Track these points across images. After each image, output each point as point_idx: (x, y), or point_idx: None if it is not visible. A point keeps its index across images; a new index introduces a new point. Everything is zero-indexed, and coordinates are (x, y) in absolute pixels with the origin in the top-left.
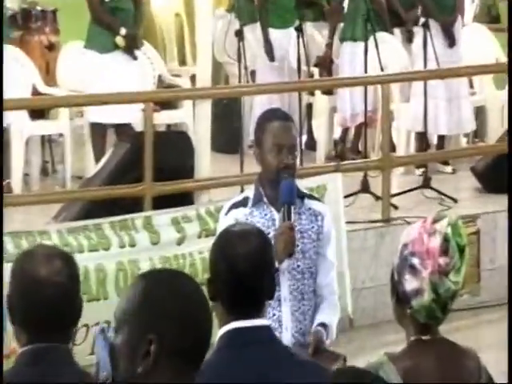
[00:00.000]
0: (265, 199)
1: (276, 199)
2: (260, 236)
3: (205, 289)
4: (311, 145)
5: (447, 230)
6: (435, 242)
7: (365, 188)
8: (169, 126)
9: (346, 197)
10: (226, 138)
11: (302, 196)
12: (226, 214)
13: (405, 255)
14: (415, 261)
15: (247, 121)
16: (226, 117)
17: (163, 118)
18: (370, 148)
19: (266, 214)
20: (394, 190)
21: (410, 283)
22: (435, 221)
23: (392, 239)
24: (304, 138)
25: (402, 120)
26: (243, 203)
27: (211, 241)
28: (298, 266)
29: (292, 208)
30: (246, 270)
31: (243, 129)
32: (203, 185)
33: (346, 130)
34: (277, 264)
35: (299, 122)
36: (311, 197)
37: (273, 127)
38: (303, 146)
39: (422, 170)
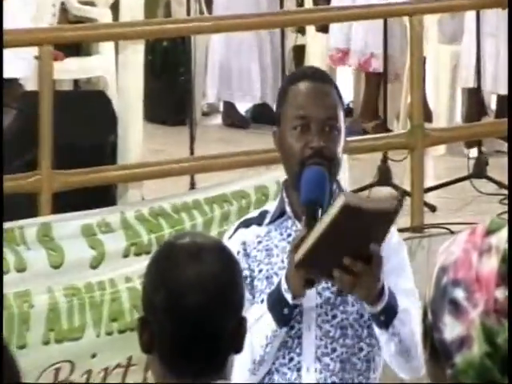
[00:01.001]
0: (288, 210)
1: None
2: (221, 253)
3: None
4: None
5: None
6: (490, 265)
7: (384, 178)
8: (77, 82)
9: (354, 192)
10: (168, 101)
11: None
12: (231, 236)
13: (443, 285)
14: (459, 294)
15: (200, 74)
16: (168, 68)
17: (69, 71)
18: (391, 115)
19: (289, 235)
20: (429, 182)
21: (451, 328)
22: (490, 231)
23: (425, 258)
24: None
25: (443, 71)
26: (258, 220)
27: (145, 261)
28: (335, 316)
29: (319, 211)
30: (197, 306)
31: (194, 87)
32: (132, 174)
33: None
34: (290, 300)
35: (281, 73)
36: None
37: (296, 92)
38: None
39: (473, 149)
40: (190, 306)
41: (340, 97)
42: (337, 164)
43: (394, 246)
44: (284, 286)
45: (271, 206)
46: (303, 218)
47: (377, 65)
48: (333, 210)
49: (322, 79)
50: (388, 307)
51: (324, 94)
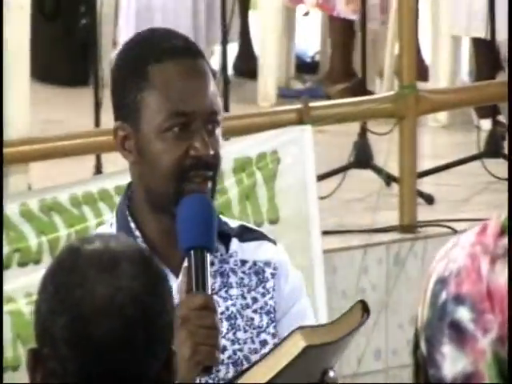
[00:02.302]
0: (138, 235)
1: (171, 243)
2: (144, 264)
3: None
4: (248, 65)
5: None
6: (505, 275)
7: (362, 158)
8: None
9: (322, 177)
10: (65, 54)
11: (227, 234)
12: None
13: (442, 302)
14: (464, 314)
15: (109, 16)
16: (64, 8)
17: None
18: (371, 72)
19: None
20: (424, 164)
21: (452, 362)
22: (505, 230)
23: (418, 268)
24: (234, 50)
25: (443, 18)
26: None
27: (33, 274)
28: (230, 357)
29: (207, 258)
30: (111, 336)
31: (101, 34)
32: (14, 154)
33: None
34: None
35: (222, 17)
36: (247, 231)
37: (166, 76)
38: (231, 69)
39: (486, 120)
40: (100, 336)
41: (213, 73)
42: (216, 174)
43: (294, 287)
44: None
45: (109, 226)
46: (184, 265)
47: (343, 7)
48: (286, 351)
49: (196, 52)
50: None
51: (205, 78)
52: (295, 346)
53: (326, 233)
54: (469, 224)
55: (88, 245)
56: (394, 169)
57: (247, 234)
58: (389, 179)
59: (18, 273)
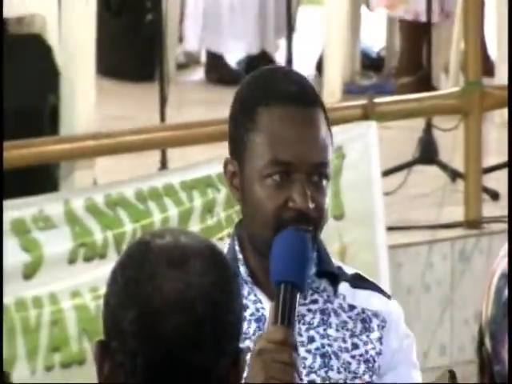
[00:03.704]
0: (243, 272)
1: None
2: (214, 259)
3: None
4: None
5: None
6: None
7: (427, 153)
8: (5, 22)
9: (387, 173)
10: (131, 49)
11: (336, 276)
12: None
13: (506, 298)
14: None
15: (175, 12)
16: (130, 4)
17: None
18: (437, 68)
19: (247, 307)
20: (489, 160)
21: None
22: None
23: (483, 263)
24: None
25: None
26: None
27: (98, 269)
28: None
29: (297, 296)
30: (180, 331)
31: (166, 29)
32: (80, 149)
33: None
34: None
35: (287, 11)
36: (362, 279)
37: (274, 121)
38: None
39: None
40: (169, 332)
41: (328, 122)
42: (323, 226)
43: (402, 351)
44: None
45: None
46: (276, 297)
47: (406, 8)
48: None
49: (309, 99)
50: None
51: (314, 127)
52: None
53: (390, 228)
54: None
55: (158, 239)
56: (459, 164)
57: (361, 282)
58: (454, 175)
59: (84, 268)
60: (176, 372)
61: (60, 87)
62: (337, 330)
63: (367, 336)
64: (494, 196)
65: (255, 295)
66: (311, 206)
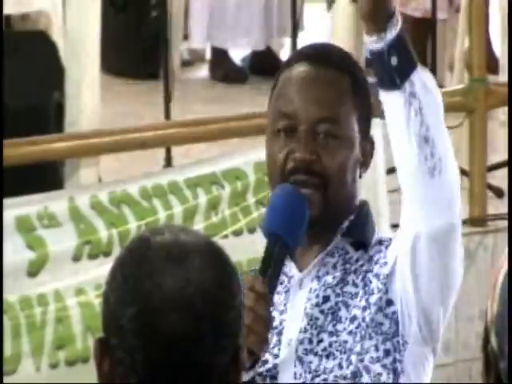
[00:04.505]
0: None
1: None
2: (213, 256)
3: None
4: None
5: None
6: None
7: None
8: (9, 19)
9: (392, 171)
10: (135, 46)
11: (364, 245)
12: None
13: None
14: None
15: (180, 8)
16: (135, 1)
17: None
18: (441, 65)
19: (281, 282)
20: (494, 158)
21: None
22: None
23: (488, 261)
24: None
25: None
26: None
27: (103, 266)
28: (321, 340)
29: (280, 250)
30: (179, 328)
31: (171, 26)
32: (84, 146)
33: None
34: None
35: (292, 10)
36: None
37: (287, 79)
38: None
39: None
40: (169, 328)
41: (360, 90)
42: (338, 186)
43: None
44: None
45: None
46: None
47: (416, 5)
48: None
49: (328, 62)
50: (402, 43)
51: (323, 83)
52: None
53: (395, 226)
54: None
55: (158, 236)
56: (463, 162)
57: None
58: (461, 173)
59: (89, 265)
60: (176, 369)
61: (65, 84)
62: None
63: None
64: (499, 193)
65: (289, 271)
66: (311, 157)
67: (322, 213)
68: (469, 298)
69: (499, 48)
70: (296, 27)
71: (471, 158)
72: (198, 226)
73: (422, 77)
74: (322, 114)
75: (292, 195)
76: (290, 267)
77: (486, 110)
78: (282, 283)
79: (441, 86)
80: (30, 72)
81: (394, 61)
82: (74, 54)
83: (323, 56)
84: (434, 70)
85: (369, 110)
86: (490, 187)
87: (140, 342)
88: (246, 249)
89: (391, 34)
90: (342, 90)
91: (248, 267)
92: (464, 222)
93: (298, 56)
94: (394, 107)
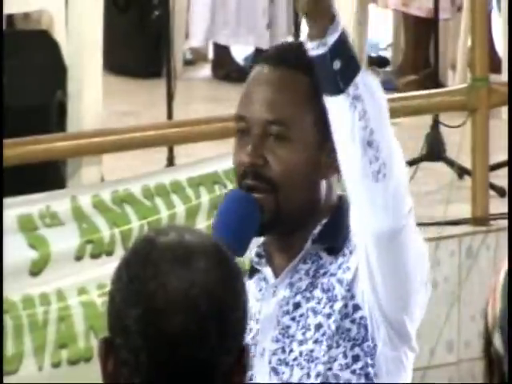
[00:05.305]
0: (254, 253)
1: (275, 249)
2: (218, 257)
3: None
4: None
5: None
6: None
7: (435, 150)
8: (11, 18)
9: None
10: (137, 45)
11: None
12: None
13: None
14: None
15: (182, 7)
16: (138, 0)
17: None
18: (444, 64)
19: (260, 289)
20: (497, 157)
21: None
22: None
23: (491, 260)
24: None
25: None
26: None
27: (105, 265)
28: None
29: None
30: (184, 329)
31: (173, 25)
32: (87, 146)
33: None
34: None
35: (294, 9)
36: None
37: (247, 81)
38: None
39: None
40: (173, 329)
41: (320, 91)
42: (289, 190)
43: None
44: None
45: None
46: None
47: (419, 5)
48: None
49: (285, 62)
50: (344, 46)
51: (275, 84)
52: None
53: None
54: None
55: (163, 236)
56: (466, 161)
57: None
58: (461, 172)
59: (91, 264)
60: (180, 369)
61: (67, 84)
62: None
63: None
64: (501, 193)
65: (264, 277)
66: (258, 161)
67: (275, 217)
68: (471, 298)
69: (502, 47)
70: (298, 25)
71: (474, 158)
72: (201, 225)
73: (365, 79)
74: (272, 116)
75: (239, 201)
76: (267, 274)
77: (489, 109)
78: (260, 290)
79: (443, 85)
80: (33, 71)
81: (336, 65)
82: (77, 53)
83: (280, 56)
84: (436, 70)
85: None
86: (493, 186)
87: (145, 342)
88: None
89: (333, 37)
90: (296, 91)
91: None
92: (467, 222)
93: (260, 57)
94: (338, 111)
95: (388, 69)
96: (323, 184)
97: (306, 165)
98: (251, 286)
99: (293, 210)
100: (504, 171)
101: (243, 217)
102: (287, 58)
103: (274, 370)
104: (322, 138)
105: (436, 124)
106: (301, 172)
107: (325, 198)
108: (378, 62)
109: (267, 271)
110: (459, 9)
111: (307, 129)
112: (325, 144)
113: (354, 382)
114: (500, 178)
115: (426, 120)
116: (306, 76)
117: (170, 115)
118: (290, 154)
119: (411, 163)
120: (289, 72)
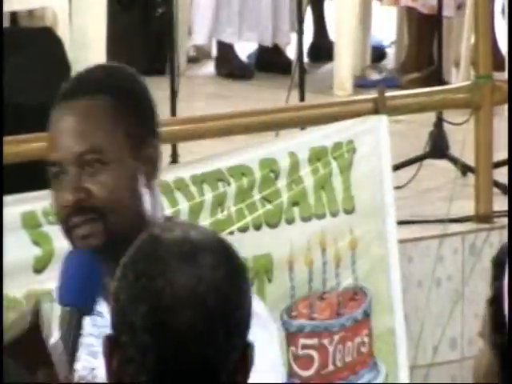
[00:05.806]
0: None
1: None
2: (224, 254)
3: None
4: (323, 51)
5: None
6: None
7: (438, 148)
8: (15, 16)
9: (398, 167)
10: (141, 43)
11: None
12: None
13: None
14: None
15: (185, 5)
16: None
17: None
18: (447, 62)
19: (95, 324)
20: (500, 155)
21: None
22: None
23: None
24: (309, 36)
25: None
26: None
27: None
28: None
29: (76, 317)
30: (190, 326)
31: (177, 22)
32: None
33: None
34: None
35: (297, 6)
36: None
37: (50, 122)
38: (306, 56)
39: None
40: (180, 326)
41: (125, 104)
42: (118, 209)
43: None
44: None
45: None
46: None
47: (424, 1)
48: None
49: (81, 92)
50: None
51: (73, 116)
52: None
53: (401, 223)
54: None
55: (168, 233)
56: (469, 159)
57: None
58: (465, 169)
59: None
60: (187, 366)
61: None
62: None
63: None
64: (505, 190)
65: (101, 315)
66: (79, 195)
67: (109, 239)
68: (475, 295)
69: (505, 45)
70: (302, 22)
71: (477, 155)
72: (204, 222)
73: None
74: (84, 146)
75: (79, 266)
76: (103, 310)
77: (492, 106)
78: (94, 325)
79: (447, 82)
80: (36, 69)
81: None
82: (80, 50)
83: (74, 89)
84: (440, 67)
85: (143, 116)
86: (497, 184)
87: (152, 339)
88: (251, 245)
89: None
90: (98, 114)
91: (253, 264)
92: (470, 219)
93: (57, 97)
94: None
95: (387, 62)
96: (147, 195)
97: (128, 180)
98: (87, 321)
99: (124, 227)
100: (508, 168)
101: (87, 280)
102: (81, 88)
103: None
104: (138, 145)
105: (439, 121)
106: (125, 189)
107: (151, 210)
108: (383, 59)
109: (103, 307)
110: (459, 7)
111: (119, 146)
112: (144, 150)
113: None
114: (504, 175)
115: (430, 117)
116: (108, 95)
117: (173, 112)
118: (111, 176)
119: (415, 161)
120: (85, 99)
